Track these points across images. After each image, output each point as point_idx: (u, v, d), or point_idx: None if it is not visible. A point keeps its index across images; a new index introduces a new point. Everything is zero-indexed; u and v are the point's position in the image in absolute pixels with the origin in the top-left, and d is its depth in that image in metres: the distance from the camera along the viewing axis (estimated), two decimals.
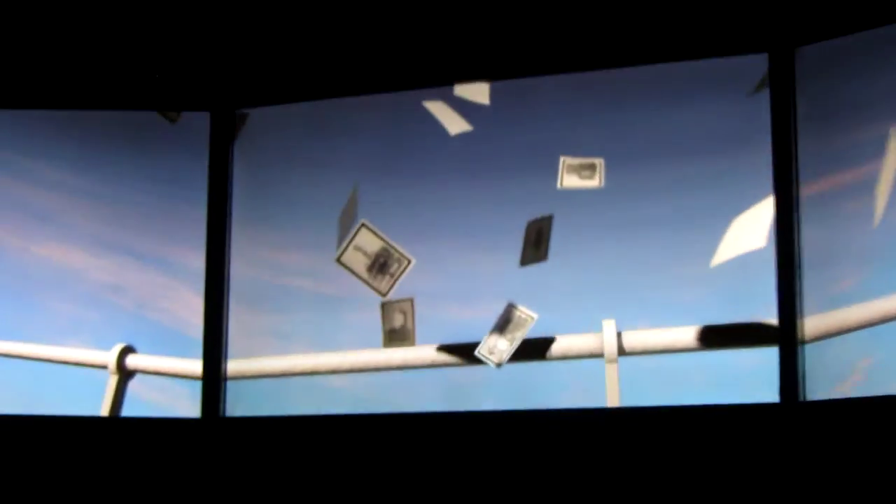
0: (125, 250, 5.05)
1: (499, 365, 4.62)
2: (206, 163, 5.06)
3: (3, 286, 5.02)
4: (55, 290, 5.02)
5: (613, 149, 4.59)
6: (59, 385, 4.94)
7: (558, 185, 4.62)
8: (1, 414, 4.86)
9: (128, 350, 5.00)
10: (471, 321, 4.67)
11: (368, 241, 4.83)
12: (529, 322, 4.62)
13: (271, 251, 4.97)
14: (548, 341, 4.61)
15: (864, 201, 4.16)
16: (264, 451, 4.80)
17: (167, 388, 4.99)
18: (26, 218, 5.05)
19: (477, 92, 4.78)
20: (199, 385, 4.94)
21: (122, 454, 4.86)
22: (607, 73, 4.63)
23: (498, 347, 4.63)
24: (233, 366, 4.98)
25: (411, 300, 4.76)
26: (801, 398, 4.23)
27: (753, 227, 4.36)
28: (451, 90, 4.82)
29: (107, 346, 5.00)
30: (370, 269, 4.81)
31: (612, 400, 4.49)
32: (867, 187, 4.16)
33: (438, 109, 4.82)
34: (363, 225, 4.84)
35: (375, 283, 4.81)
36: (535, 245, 4.63)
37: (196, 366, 4.96)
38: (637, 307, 4.49)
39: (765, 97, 4.38)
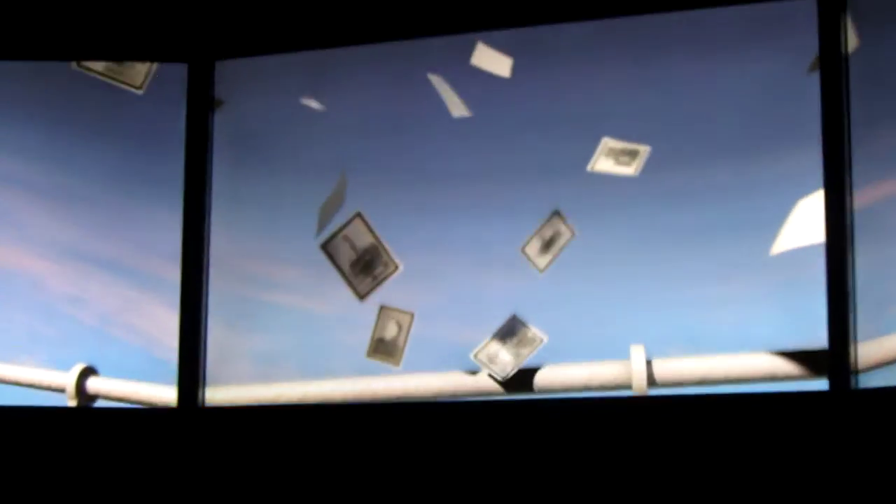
0: (87, 256, 4.90)
1: (503, 378, 4.45)
2: (181, 156, 4.88)
3: None
4: (5, 300, 4.87)
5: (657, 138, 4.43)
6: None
7: (588, 168, 4.47)
8: None
9: (89, 371, 4.87)
10: (469, 342, 4.54)
11: (360, 234, 4.71)
12: (538, 342, 4.45)
13: (254, 261, 4.85)
14: (566, 369, 4.44)
15: None
16: (244, 442, 4.71)
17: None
18: None
19: (497, 63, 4.62)
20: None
21: (94, 446, 4.75)
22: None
23: (500, 358, 4.48)
24: (211, 394, 4.83)
25: (411, 314, 4.63)
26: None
27: (814, 218, 4.21)
28: (468, 59, 4.64)
29: (65, 367, 4.85)
30: (354, 264, 4.71)
31: None
32: None
33: (445, 89, 4.67)
34: (358, 214, 4.72)
35: (355, 282, 4.70)
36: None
37: (169, 392, 4.82)
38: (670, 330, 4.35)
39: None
